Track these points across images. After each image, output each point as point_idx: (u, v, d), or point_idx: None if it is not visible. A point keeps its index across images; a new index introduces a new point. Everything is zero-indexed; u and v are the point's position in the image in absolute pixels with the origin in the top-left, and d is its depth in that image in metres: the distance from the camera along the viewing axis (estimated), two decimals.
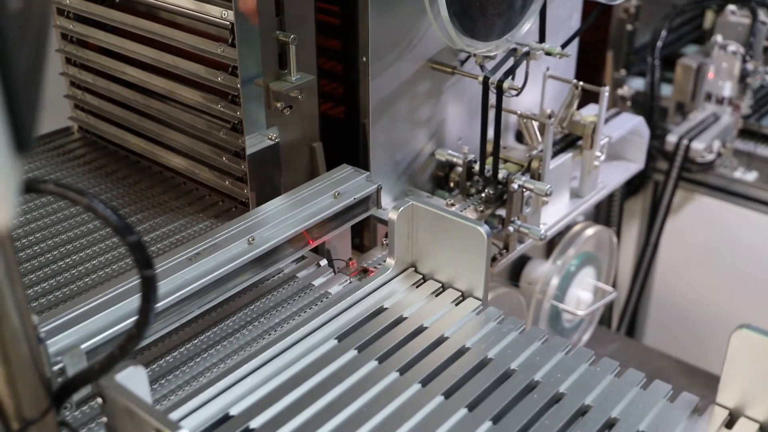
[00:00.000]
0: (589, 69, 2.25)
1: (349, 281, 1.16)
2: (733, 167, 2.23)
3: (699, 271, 2.31)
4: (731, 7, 2.14)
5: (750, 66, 2.13)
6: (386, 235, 1.24)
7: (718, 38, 2.14)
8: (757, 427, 0.90)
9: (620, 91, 2.24)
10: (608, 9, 2.20)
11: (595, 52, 2.26)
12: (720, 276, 2.28)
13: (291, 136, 1.24)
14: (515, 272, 1.71)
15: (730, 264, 2.26)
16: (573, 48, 1.67)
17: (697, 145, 2.12)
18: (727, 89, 2.17)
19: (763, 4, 2.13)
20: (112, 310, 0.94)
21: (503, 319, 1.04)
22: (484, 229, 1.02)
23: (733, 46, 2.13)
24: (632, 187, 2.29)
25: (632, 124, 1.64)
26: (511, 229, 1.36)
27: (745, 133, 2.32)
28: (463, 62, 1.40)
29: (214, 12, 1.15)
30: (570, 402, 0.92)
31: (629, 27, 2.30)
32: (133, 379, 0.76)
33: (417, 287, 1.10)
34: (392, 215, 1.06)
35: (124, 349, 0.72)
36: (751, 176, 2.21)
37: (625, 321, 2.35)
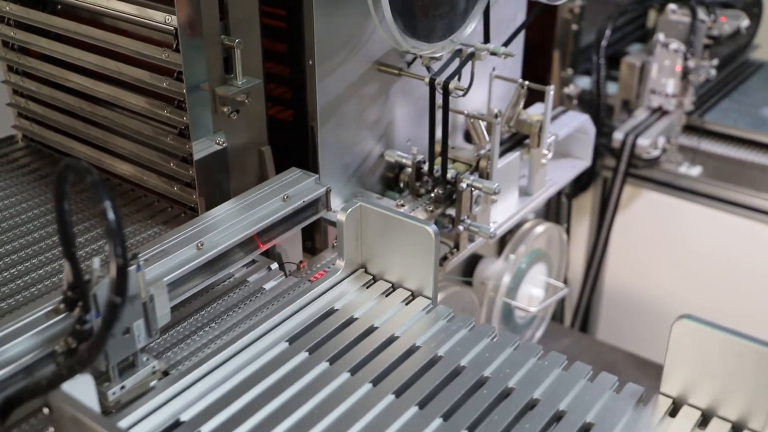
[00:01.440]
0: (536, 68, 2.28)
1: (299, 282, 1.16)
2: (678, 162, 2.28)
3: (648, 265, 2.36)
4: (672, 6, 2.19)
5: (691, 63, 2.18)
6: (337, 238, 1.24)
7: (660, 37, 2.19)
8: (699, 414, 0.92)
9: (567, 90, 2.28)
10: (553, 9, 2.23)
11: (542, 52, 2.30)
12: (669, 268, 2.33)
13: (239, 141, 1.24)
14: (467, 271, 1.73)
15: (678, 256, 2.31)
16: (519, 48, 1.69)
17: (643, 142, 2.16)
18: (670, 86, 2.21)
19: (702, 3, 2.19)
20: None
21: (453, 317, 1.06)
22: (432, 229, 1.03)
23: (674, 44, 2.17)
24: (581, 184, 2.33)
25: (578, 122, 1.67)
26: (461, 228, 1.38)
27: (689, 129, 2.38)
28: (409, 64, 1.41)
29: (158, 17, 1.14)
30: (519, 396, 0.93)
31: (574, 27, 2.33)
32: (80, 387, 0.75)
33: (367, 288, 1.10)
34: (340, 217, 1.07)
35: (72, 369, 0.72)
36: (696, 171, 2.27)
37: (578, 317, 2.39)
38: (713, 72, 2.23)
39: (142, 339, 0.92)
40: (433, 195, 1.38)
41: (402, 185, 1.45)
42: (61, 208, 0.75)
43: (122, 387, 0.91)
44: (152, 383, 0.92)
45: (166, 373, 0.95)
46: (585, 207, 2.38)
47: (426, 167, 1.41)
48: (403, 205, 1.37)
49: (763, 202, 2.17)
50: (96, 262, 0.85)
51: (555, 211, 2.27)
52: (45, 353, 0.87)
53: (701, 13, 2.16)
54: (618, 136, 2.18)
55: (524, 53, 1.74)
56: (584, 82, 2.41)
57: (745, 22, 2.41)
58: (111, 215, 0.73)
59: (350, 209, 1.07)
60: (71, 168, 0.74)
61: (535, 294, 1.77)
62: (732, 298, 2.25)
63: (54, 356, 0.87)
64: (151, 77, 1.19)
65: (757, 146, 2.32)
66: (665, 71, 2.20)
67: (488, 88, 1.53)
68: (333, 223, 1.26)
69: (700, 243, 2.27)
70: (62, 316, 0.88)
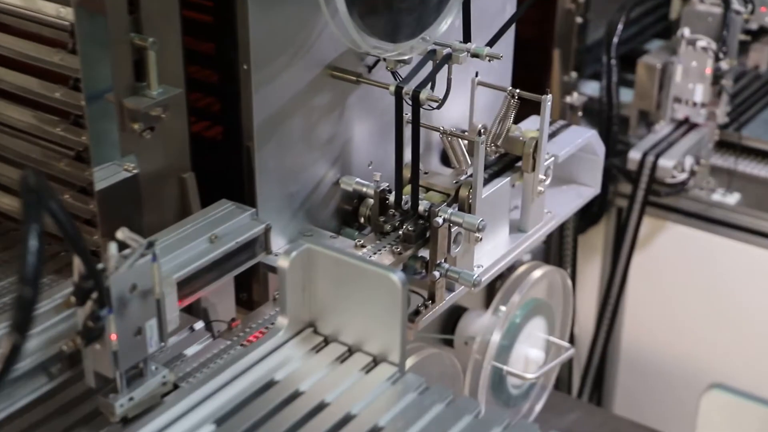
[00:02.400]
0: (531, 73, 2.31)
1: (231, 347, 1.17)
2: (710, 188, 2.32)
3: (676, 318, 2.39)
4: None
5: (724, 65, 2.23)
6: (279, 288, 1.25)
7: (686, 32, 2.24)
8: None
9: (569, 99, 2.32)
10: (554, 0, 2.28)
11: (539, 53, 2.34)
12: (701, 322, 2.36)
13: (154, 166, 1.24)
14: (447, 328, 1.73)
15: (712, 307, 2.34)
16: (508, 48, 1.72)
17: (666, 163, 2.20)
18: (699, 93, 2.26)
19: None
20: None
21: (426, 388, 1.06)
22: (398, 277, 1.04)
23: (703, 42, 2.23)
24: (589, 216, 2.36)
25: (583, 139, 1.69)
26: (436, 274, 1.39)
27: (724, 147, 2.42)
28: (370, 68, 1.42)
29: (48, 9, 1.15)
30: None
31: (579, 20, 2.38)
32: None
33: (317, 352, 1.11)
34: (283, 262, 1.07)
35: None
36: (733, 198, 2.31)
37: (587, 384, 2.41)
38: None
39: (154, 342, 1.01)
40: (401, 233, 1.39)
41: (362, 220, 1.46)
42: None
43: (131, 399, 0.99)
44: None
45: (176, 386, 1.06)
46: (595, 245, 2.41)
47: (392, 198, 1.42)
48: (363, 246, 1.37)
49: None
50: (113, 247, 0.94)
51: (557, 251, 2.30)
52: (49, 355, 0.98)
53: (735, 3, 2.22)
54: (634, 155, 2.22)
55: (516, 54, 1.77)
56: (592, 89, 2.46)
57: None
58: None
59: (295, 252, 1.08)
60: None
61: (533, 356, 1.78)
62: None
63: (60, 357, 0.99)
64: (40, 85, 1.19)
65: None
66: (692, 74, 2.25)
67: (470, 99, 1.55)
68: (274, 270, 1.26)
69: (740, 289, 2.31)
70: (71, 311, 0.99)
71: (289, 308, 1.10)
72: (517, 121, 1.59)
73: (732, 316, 2.31)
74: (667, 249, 2.36)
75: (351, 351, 1.11)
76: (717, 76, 2.24)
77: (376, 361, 1.09)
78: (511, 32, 1.71)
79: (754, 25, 2.37)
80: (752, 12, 2.24)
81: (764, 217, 2.26)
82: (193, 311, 1.24)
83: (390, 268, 1.05)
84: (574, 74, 2.44)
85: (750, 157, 2.41)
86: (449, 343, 1.72)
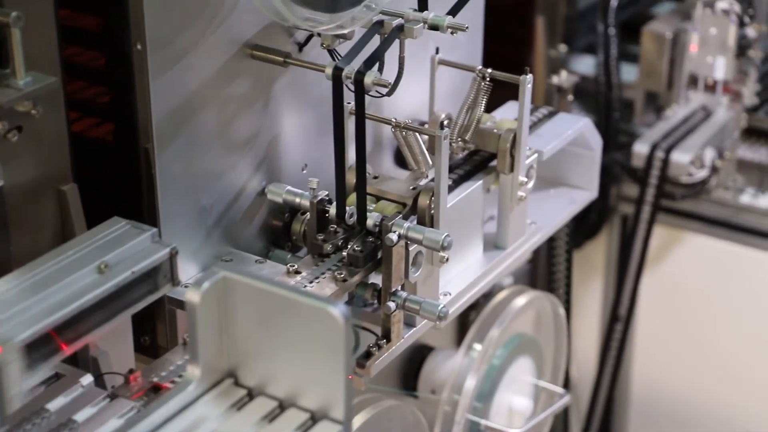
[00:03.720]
0: (509, 47, 2.33)
1: (131, 408, 1.16)
2: (737, 188, 2.34)
3: (698, 353, 2.41)
4: None
5: (751, 32, 2.26)
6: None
7: None
8: None
9: (556, 80, 2.33)
10: None
11: (518, 21, 2.35)
12: (730, 358, 2.39)
13: (23, 177, 1.24)
14: (408, 373, 1.74)
15: (743, 338, 2.36)
16: (476, 17, 1.73)
17: (680, 157, 2.22)
18: (720, 69, 2.29)
19: None
20: None
21: None
22: (338, 310, 1.04)
23: (723, 2, 2.25)
24: (586, 227, 2.38)
25: (574, 129, 1.71)
26: (392, 305, 1.39)
27: (754, 135, 2.44)
28: (302, 46, 1.42)
29: None
30: None
31: None
32: None
33: (239, 409, 1.10)
34: (192, 296, 1.07)
35: None
36: (766, 200, 2.33)
37: None
38: None
39: None
40: (345, 254, 1.40)
41: (296, 239, 1.46)
42: None
43: None
44: None
45: None
46: (594, 263, 2.43)
47: (333, 210, 1.42)
48: (297, 272, 1.37)
49: None
50: None
51: (546, 272, 2.31)
52: None
53: None
54: (641, 149, 2.24)
55: (488, 25, 1.78)
56: (586, 66, 2.48)
57: None
58: None
59: (208, 283, 1.07)
60: None
61: (518, 406, 1.79)
62: None
63: None
64: None
65: None
66: (712, 45, 2.28)
67: (430, 82, 1.56)
68: (183, 306, 1.26)
69: None
70: None
71: (202, 354, 1.10)
72: (490, 109, 1.60)
73: (764, 343, 2.34)
74: (685, 266, 2.38)
75: (282, 406, 1.11)
76: (742, 47, 2.26)
77: (314, 419, 1.09)
78: None
79: None
80: None
81: None
82: (80, 362, 1.23)
83: (329, 300, 1.05)
84: (563, 48, 2.45)
85: None
86: (412, 391, 1.72)
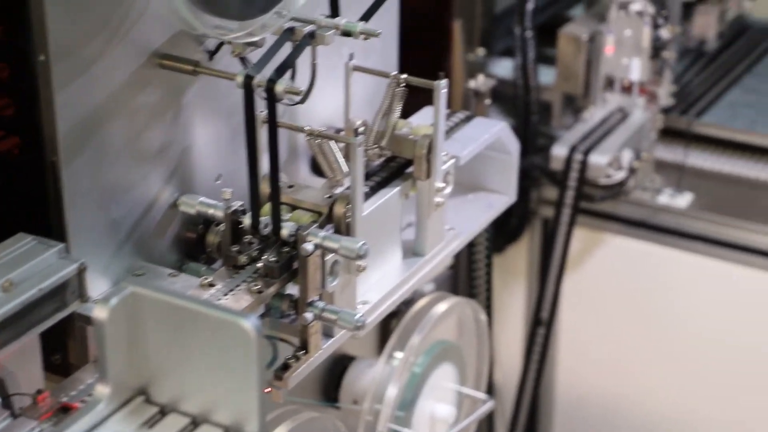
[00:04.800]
0: (426, 52, 2.33)
1: (33, 429, 1.14)
2: (655, 188, 2.37)
3: (622, 352, 2.43)
4: None
5: (665, 33, 2.28)
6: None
7: None
8: None
9: (473, 84, 2.34)
10: None
11: (435, 25, 2.36)
12: (653, 355, 2.41)
13: None
14: (330, 383, 1.73)
15: (665, 335, 2.39)
16: (391, 22, 1.73)
17: (598, 159, 2.24)
18: (636, 70, 2.31)
19: None
20: None
21: None
22: (250, 324, 1.02)
23: (637, 4, 2.28)
24: (508, 232, 2.38)
25: (491, 134, 1.71)
26: (309, 316, 1.38)
27: (671, 136, 2.48)
28: (212, 54, 1.41)
29: None
30: None
31: None
32: None
33: (151, 427, 1.08)
34: (99, 313, 1.05)
35: None
36: (684, 200, 2.36)
37: None
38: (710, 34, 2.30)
39: None
40: (260, 265, 1.38)
41: (211, 251, 1.44)
42: None
43: None
44: None
45: None
46: (516, 267, 2.44)
47: (248, 220, 1.41)
48: (211, 285, 1.36)
49: None
50: None
51: (467, 277, 2.32)
52: None
53: None
54: (559, 152, 2.26)
55: (404, 29, 1.78)
56: (505, 69, 2.49)
57: None
58: None
59: (116, 298, 1.05)
60: None
61: (441, 414, 1.78)
62: (752, 400, 2.34)
63: None
64: None
65: None
66: (627, 46, 2.30)
67: (344, 89, 1.55)
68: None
69: (697, 312, 2.36)
70: None
71: (111, 372, 1.08)
72: (406, 114, 1.59)
73: (689, 345, 2.36)
74: (605, 266, 2.40)
75: (196, 423, 1.09)
76: (657, 48, 2.29)
77: None
78: (394, 1, 1.72)
79: None
80: None
81: (723, 222, 2.32)
82: None
83: (240, 313, 1.04)
84: (481, 51, 2.46)
85: (707, 148, 2.47)
86: (333, 402, 1.72)
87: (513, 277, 2.45)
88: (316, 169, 1.62)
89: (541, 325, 2.33)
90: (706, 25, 2.42)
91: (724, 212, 2.33)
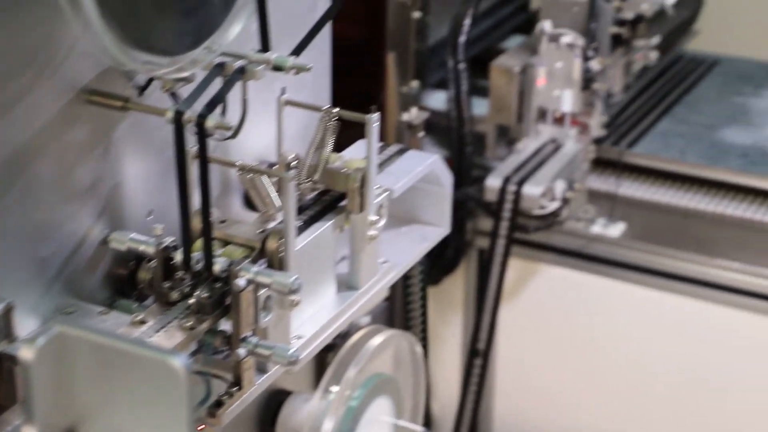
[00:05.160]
0: (361, 85, 2.34)
1: None
2: (588, 218, 2.38)
3: (559, 381, 2.43)
4: None
5: (595, 65, 2.30)
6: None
7: (547, 25, 2.30)
8: None
9: (406, 116, 2.35)
10: None
11: (369, 58, 2.36)
12: (590, 383, 2.42)
13: None
14: (266, 419, 1.71)
15: (602, 364, 2.40)
16: (323, 55, 1.73)
17: (532, 190, 2.25)
18: (567, 102, 2.32)
19: None
20: None
21: None
22: (178, 362, 1.01)
23: (568, 37, 2.29)
24: (444, 263, 2.38)
25: (424, 166, 1.71)
26: (242, 351, 1.37)
27: (602, 165, 2.50)
28: (142, 89, 1.40)
29: None
30: None
31: (417, 14, 2.42)
32: None
33: None
34: (25, 353, 1.03)
35: None
36: (617, 230, 2.38)
37: None
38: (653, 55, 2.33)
39: None
40: (193, 301, 1.37)
41: (143, 288, 1.43)
42: None
43: None
44: None
45: None
46: (453, 299, 2.44)
47: (179, 256, 1.40)
48: (143, 322, 1.34)
49: (721, 274, 2.30)
50: None
51: (403, 309, 2.31)
52: None
53: None
54: (493, 183, 2.26)
55: (338, 62, 1.78)
56: (439, 101, 2.50)
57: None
58: None
59: (43, 338, 1.04)
60: None
61: None
62: (689, 426, 2.35)
63: None
64: None
65: (713, 188, 2.46)
66: (558, 78, 2.32)
67: (277, 123, 1.55)
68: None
69: (632, 341, 2.37)
70: None
71: (38, 413, 1.06)
72: (341, 147, 1.59)
73: (625, 373, 2.37)
74: (541, 296, 2.40)
75: None
76: (587, 80, 2.31)
77: None
78: (326, 35, 1.72)
79: (629, 14, 2.46)
80: None
81: (655, 251, 2.34)
82: None
83: (168, 351, 1.03)
84: (415, 84, 2.47)
85: (639, 178, 2.49)
86: None
87: (450, 307, 2.45)
88: (249, 204, 1.61)
89: (477, 356, 2.34)
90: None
91: (656, 241, 2.35)
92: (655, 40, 2.46)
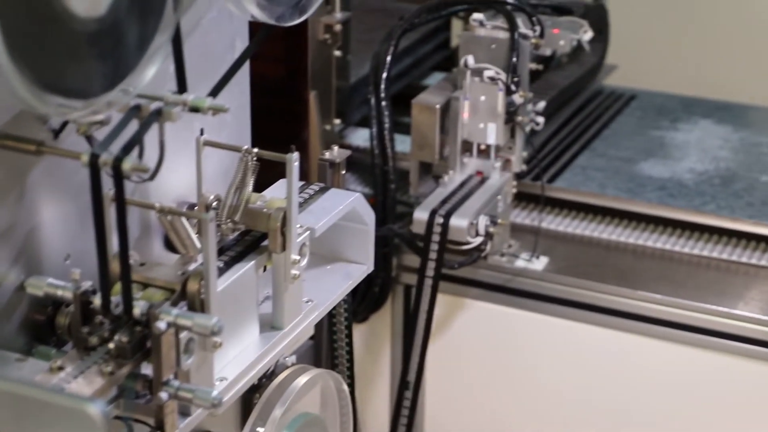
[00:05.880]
0: (284, 123, 2.33)
1: None
2: (511, 253, 2.39)
3: (486, 414, 2.43)
4: (478, 15, 2.31)
5: (517, 98, 2.30)
6: None
7: (470, 60, 2.30)
8: None
9: (328, 155, 2.33)
10: (302, 29, 2.30)
11: (291, 97, 2.36)
12: (517, 415, 2.42)
13: None
14: None
15: (522, 392, 2.40)
16: (242, 95, 1.72)
17: (459, 222, 2.23)
18: (492, 134, 2.32)
19: (521, 10, 2.33)
20: None
21: None
22: (95, 409, 1.00)
23: (490, 71, 2.30)
24: (370, 299, 2.37)
25: (345, 204, 1.70)
26: (164, 395, 1.34)
27: (525, 200, 2.51)
28: (57, 133, 1.38)
29: None
30: None
31: (337, 53, 2.42)
32: None
33: None
34: None
35: None
36: (540, 264, 2.38)
37: None
38: (539, 120, 2.35)
39: None
40: (113, 345, 1.35)
41: (62, 333, 1.40)
42: None
43: None
44: None
45: None
46: (381, 336, 2.43)
47: (98, 300, 1.37)
48: (61, 369, 1.31)
49: (643, 305, 2.31)
50: None
51: (328, 348, 2.29)
52: None
53: (522, 26, 2.30)
54: (420, 215, 2.24)
55: (259, 102, 1.77)
56: (362, 139, 2.50)
57: (588, 35, 2.60)
58: None
59: None
60: None
61: None
62: None
63: None
64: None
65: (633, 221, 2.48)
66: (482, 112, 2.31)
67: (196, 164, 1.53)
68: None
69: (558, 373, 2.38)
70: None
71: None
72: (263, 187, 1.58)
73: (551, 404, 2.37)
74: (468, 330, 2.40)
75: None
76: (510, 113, 2.31)
77: None
78: (245, 75, 1.71)
79: (547, 51, 2.48)
80: (542, 35, 2.33)
81: (577, 284, 2.34)
82: None
83: (85, 398, 1.01)
84: (337, 122, 2.47)
85: (560, 212, 2.51)
86: None
87: (378, 344, 2.44)
88: (170, 246, 1.59)
89: (408, 389, 2.32)
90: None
91: (579, 274, 2.36)
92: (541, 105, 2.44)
